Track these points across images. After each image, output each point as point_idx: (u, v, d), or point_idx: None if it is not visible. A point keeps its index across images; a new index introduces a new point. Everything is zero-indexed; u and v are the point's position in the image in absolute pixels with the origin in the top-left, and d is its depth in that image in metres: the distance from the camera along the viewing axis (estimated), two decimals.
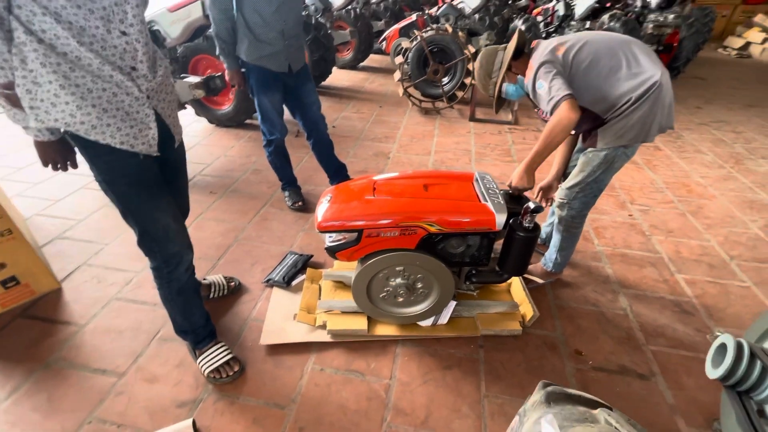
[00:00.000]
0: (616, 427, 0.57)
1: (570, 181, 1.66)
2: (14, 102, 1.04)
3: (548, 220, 2.13)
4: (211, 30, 1.99)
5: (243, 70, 2.11)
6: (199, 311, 1.48)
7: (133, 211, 1.23)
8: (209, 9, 1.91)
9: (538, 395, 0.68)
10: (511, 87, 1.69)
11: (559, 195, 1.72)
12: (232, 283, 1.84)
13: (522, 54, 1.62)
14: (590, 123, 1.55)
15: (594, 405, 0.66)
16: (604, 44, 1.48)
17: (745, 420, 0.81)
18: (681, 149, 3.61)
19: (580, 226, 1.76)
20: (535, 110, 1.84)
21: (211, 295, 1.78)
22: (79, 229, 2.25)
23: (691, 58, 5.92)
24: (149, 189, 1.24)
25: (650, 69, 1.43)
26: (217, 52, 2.04)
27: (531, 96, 1.57)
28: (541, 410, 0.63)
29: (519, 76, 1.64)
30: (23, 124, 1.08)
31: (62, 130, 1.08)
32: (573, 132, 1.66)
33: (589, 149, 1.59)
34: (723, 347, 0.90)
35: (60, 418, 1.32)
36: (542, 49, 1.53)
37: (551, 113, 1.40)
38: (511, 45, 1.60)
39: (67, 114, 1.05)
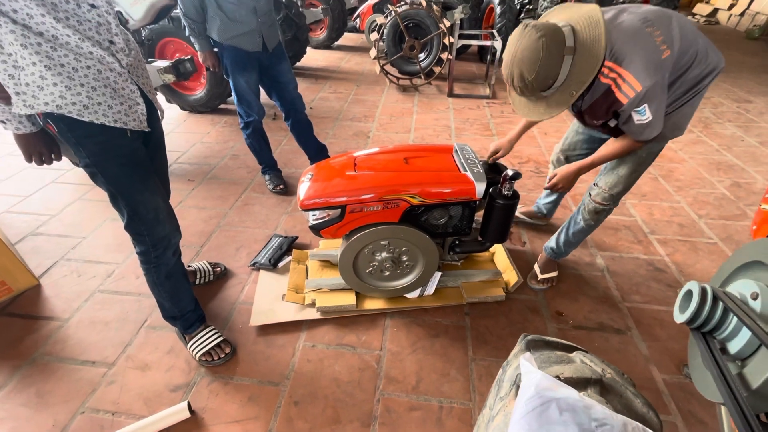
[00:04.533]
0: (590, 365, 0.61)
1: (617, 185, 1.44)
2: None
3: (547, 198, 2.06)
4: (178, 10, 1.90)
5: (216, 50, 2.04)
6: (188, 295, 1.47)
7: (124, 192, 1.20)
8: None
9: (519, 345, 0.72)
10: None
11: (600, 199, 1.50)
12: (218, 269, 1.83)
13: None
14: None
15: (571, 350, 0.71)
16: (678, 29, 1.15)
17: (710, 357, 0.87)
18: None
19: None
20: (580, 114, 1.36)
21: (197, 282, 1.77)
22: (53, 224, 2.18)
23: None
24: (140, 169, 1.22)
25: (715, 55, 1.20)
26: (187, 33, 1.96)
27: (609, 113, 1.21)
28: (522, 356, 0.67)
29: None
30: (2, 118, 1.05)
31: (54, 113, 1.04)
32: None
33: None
34: (689, 294, 0.96)
35: (51, 410, 1.32)
36: (644, 47, 1.09)
37: (637, 136, 1.22)
38: (601, 33, 1.09)
39: (57, 96, 1.02)
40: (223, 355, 1.45)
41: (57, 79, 1.00)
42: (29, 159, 1.16)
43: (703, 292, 0.92)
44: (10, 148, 2.94)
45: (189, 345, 1.48)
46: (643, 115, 1.13)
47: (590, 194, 1.54)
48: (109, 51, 1.07)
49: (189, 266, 1.78)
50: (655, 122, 1.15)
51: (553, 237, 1.79)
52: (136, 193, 1.22)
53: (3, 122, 1.06)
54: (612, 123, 1.28)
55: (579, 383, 0.59)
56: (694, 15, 9.19)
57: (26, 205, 2.33)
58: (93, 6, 1.02)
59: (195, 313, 1.50)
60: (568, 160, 1.74)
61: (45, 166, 1.23)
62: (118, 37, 1.09)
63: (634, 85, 1.08)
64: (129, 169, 1.19)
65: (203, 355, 1.45)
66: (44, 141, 1.15)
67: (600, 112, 1.23)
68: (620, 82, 1.11)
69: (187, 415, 1.28)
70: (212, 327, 1.51)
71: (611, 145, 1.34)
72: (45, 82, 1.00)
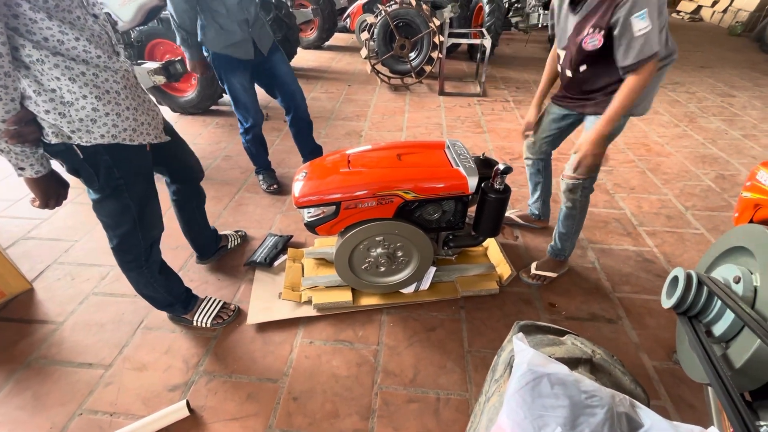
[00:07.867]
0: (580, 347, 0.63)
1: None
2: (25, 137, 0.90)
3: (533, 197, 2.06)
4: (171, 22, 1.88)
5: (206, 54, 2.04)
6: (178, 281, 1.52)
7: (144, 205, 1.19)
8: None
9: (512, 332, 0.75)
10: None
11: (569, 177, 1.53)
12: (240, 233, 2.05)
13: None
14: (608, 79, 1.23)
15: (562, 333, 0.73)
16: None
17: (695, 340, 0.90)
18: None
19: (589, 199, 1.63)
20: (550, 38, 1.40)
21: (230, 245, 1.94)
22: (45, 228, 2.16)
23: None
24: (152, 178, 1.22)
25: (673, 44, 1.28)
26: (179, 43, 1.95)
27: (604, 20, 1.11)
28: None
29: None
30: (24, 164, 0.95)
31: (105, 144, 0.99)
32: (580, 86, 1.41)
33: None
34: (675, 280, 0.99)
35: (48, 413, 1.31)
36: None
37: (631, 64, 1.11)
38: None
39: (110, 126, 0.96)
40: (231, 314, 1.56)
41: (108, 108, 0.94)
42: (46, 203, 1.04)
43: (689, 277, 0.96)
44: None
45: (195, 320, 1.53)
46: (644, 21, 1.02)
47: (563, 175, 1.60)
48: (126, 63, 1.02)
49: (220, 234, 1.93)
50: (653, 35, 1.05)
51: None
52: (149, 204, 1.21)
53: (22, 169, 0.94)
54: (599, 41, 1.17)
55: (570, 363, 0.61)
56: (678, 12, 9.35)
57: (16, 209, 2.31)
58: (95, 16, 0.96)
59: (188, 292, 1.55)
60: (536, 143, 1.78)
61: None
62: (119, 45, 1.03)
63: None
64: (150, 182, 1.19)
65: (214, 319, 1.52)
66: (59, 180, 1.05)
67: (597, 18, 1.13)
68: None
69: (186, 413, 1.28)
70: (207, 296, 1.57)
71: (619, 95, 1.22)
72: (98, 114, 0.93)
